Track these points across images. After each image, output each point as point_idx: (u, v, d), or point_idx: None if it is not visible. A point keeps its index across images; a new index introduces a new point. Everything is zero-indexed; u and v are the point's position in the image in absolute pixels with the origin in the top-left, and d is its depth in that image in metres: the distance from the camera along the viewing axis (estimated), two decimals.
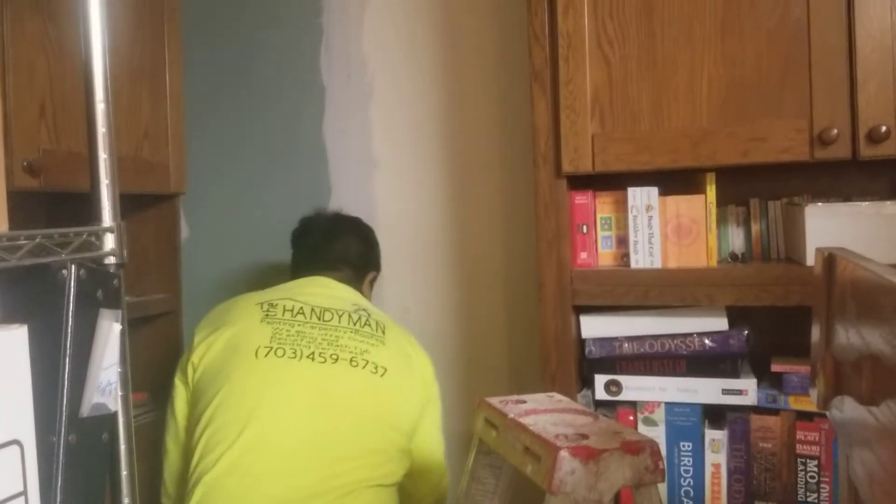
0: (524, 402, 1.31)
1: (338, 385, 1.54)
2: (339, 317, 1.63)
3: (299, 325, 1.59)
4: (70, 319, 0.87)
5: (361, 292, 1.80)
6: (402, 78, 2.11)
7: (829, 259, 0.83)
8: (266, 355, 1.53)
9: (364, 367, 1.56)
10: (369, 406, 1.55)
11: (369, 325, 1.65)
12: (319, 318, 1.62)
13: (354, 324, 1.63)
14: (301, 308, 1.63)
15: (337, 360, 1.55)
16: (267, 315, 1.60)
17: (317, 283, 1.74)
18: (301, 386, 1.53)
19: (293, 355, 1.54)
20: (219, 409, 1.49)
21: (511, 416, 1.21)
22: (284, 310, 1.62)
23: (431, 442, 1.68)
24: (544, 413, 1.24)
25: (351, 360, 1.56)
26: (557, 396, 1.37)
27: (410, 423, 1.61)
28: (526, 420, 1.19)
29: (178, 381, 1.64)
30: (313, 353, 1.55)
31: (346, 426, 1.51)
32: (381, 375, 1.57)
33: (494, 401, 1.30)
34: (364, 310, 1.70)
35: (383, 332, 1.65)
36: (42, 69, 1.52)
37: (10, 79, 1.44)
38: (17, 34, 1.46)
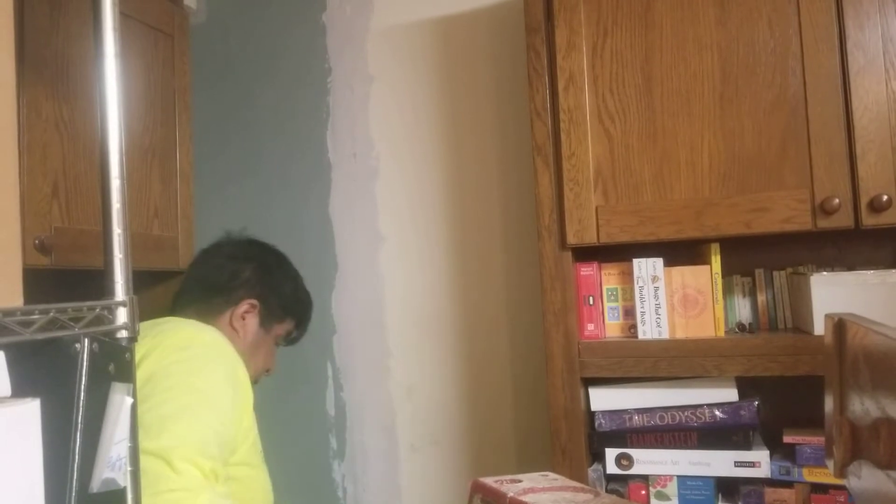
0: (520, 480, 1.27)
1: None
2: None
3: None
4: (82, 393, 0.86)
5: None
6: (407, 155, 2.14)
7: (840, 325, 0.83)
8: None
9: None
10: None
11: None
12: None
13: None
14: None
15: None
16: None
17: None
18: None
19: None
20: None
21: (511, 495, 1.18)
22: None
23: None
24: (543, 492, 1.21)
25: None
26: (552, 475, 1.33)
27: None
28: (526, 499, 1.16)
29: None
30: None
31: None
32: None
33: (489, 481, 1.27)
34: None
35: None
36: (55, 150, 1.55)
37: (24, 160, 1.47)
38: (32, 117, 1.49)
